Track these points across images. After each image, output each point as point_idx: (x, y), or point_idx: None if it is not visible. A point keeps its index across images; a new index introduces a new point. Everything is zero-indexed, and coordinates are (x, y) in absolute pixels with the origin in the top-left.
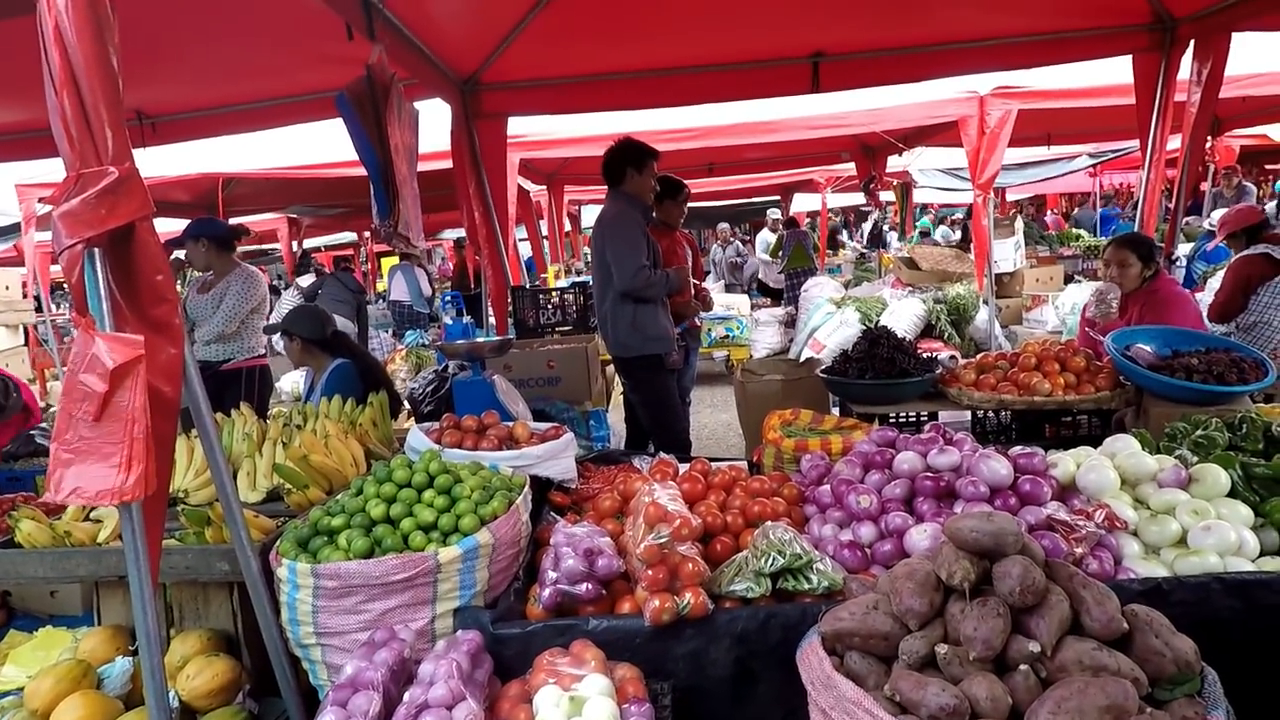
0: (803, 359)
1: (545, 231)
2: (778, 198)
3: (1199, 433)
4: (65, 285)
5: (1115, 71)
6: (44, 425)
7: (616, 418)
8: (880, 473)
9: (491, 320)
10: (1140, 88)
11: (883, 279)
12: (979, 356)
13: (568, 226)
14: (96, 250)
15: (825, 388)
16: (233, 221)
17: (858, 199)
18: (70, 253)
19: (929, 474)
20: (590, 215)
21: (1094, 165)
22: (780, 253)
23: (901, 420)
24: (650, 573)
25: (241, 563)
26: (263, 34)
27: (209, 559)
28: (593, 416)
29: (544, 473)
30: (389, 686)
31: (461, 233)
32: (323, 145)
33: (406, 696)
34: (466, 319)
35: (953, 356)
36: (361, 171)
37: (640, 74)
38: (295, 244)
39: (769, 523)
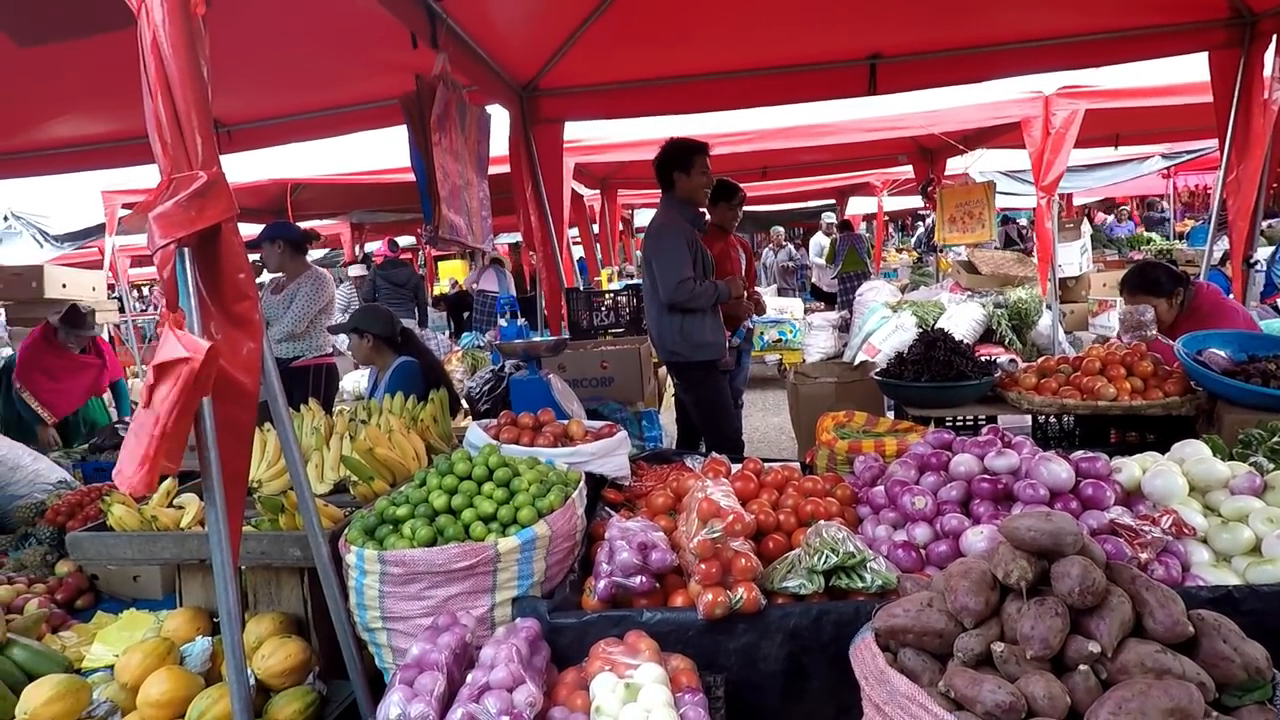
0: (857, 363)
1: (597, 235)
2: (832, 201)
3: (1275, 439)
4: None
5: (1188, 69)
6: (128, 420)
7: (668, 418)
8: (936, 474)
9: (540, 322)
10: (1218, 86)
11: (940, 283)
12: (1040, 360)
13: (621, 228)
14: (186, 250)
15: (880, 390)
16: (301, 225)
17: (915, 202)
18: (163, 252)
19: (986, 476)
20: (644, 219)
21: (1168, 167)
22: (835, 257)
23: (958, 424)
24: (704, 567)
25: (313, 549)
26: (331, 44)
27: (282, 545)
28: (645, 417)
29: (598, 469)
30: (452, 669)
31: (516, 236)
32: (383, 152)
33: (469, 678)
34: (521, 321)
35: (1012, 360)
36: (409, 177)
37: (695, 78)
38: (358, 248)
39: (822, 521)
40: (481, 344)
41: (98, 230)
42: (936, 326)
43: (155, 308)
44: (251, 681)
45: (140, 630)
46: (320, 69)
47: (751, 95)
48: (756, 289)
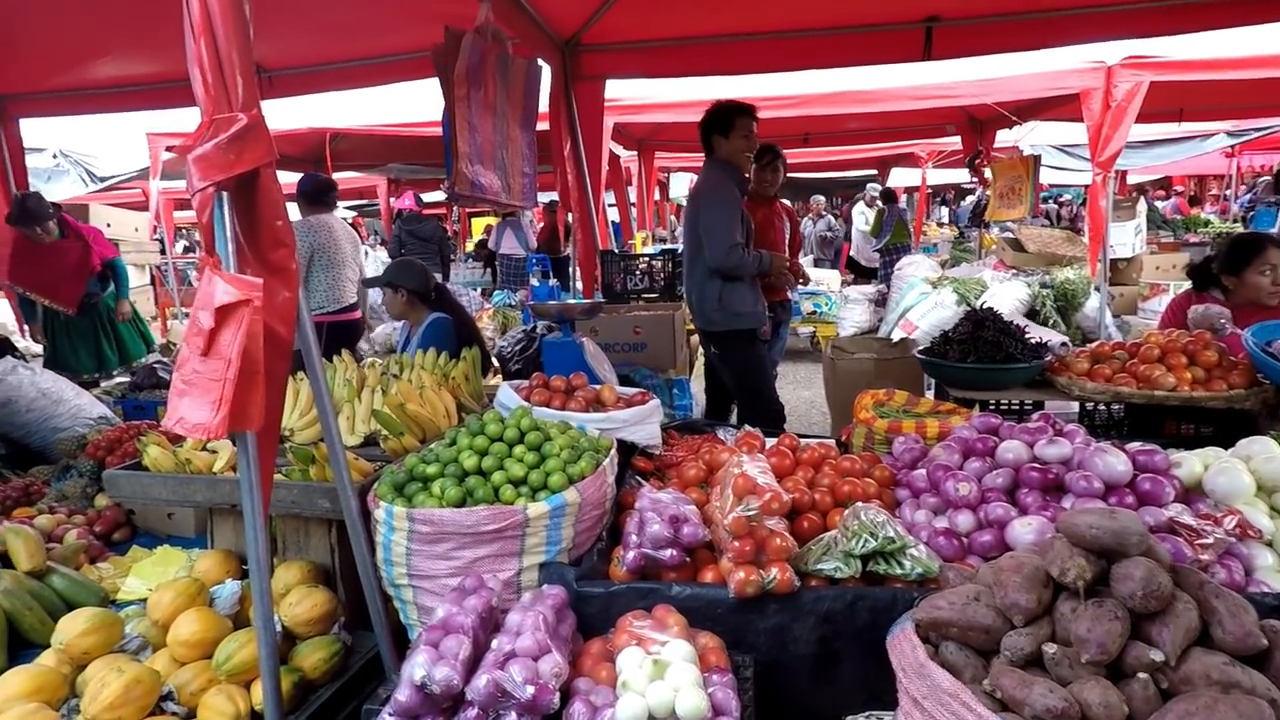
0: (896, 340)
1: (633, 198)
2: (874, 171)
3: None
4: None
5: (1261, 40)
6: (166, 360)
7: (698, 387)
8: (981, 460)
9: (578, 284)
10: None
11: (983, 260)
12: (1094, 345)
13: (656, 195)
14: (225, 194)
15: (920, 369)
16: (336, 176)
17: (959, 175)
18: (202, 195)
19: (1035, 465)
20: (679, 183)
21: (1233, 145)
22: (881, 229)
23: (1003, 407)
24: (737, 544)
25: (342, 502)
26: None
27: (312, 495)
28: (676, 385)
29: (629, 437)
30: (478, 632)
31: (552, 195)
32: (421, 105)
33: (494, 644)
34: (553, 281)
35: (1064, 344)
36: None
37: (742, 37)
38: (393, 199)
39: (860, 504)
40: (513, 303)
41: (143, 173)
42: (983, 305)
43: (191, 250)
44: (278, 628)
45: (173, 566)
46: (366, 16)
47: (800, 57)
48: (798, 260)
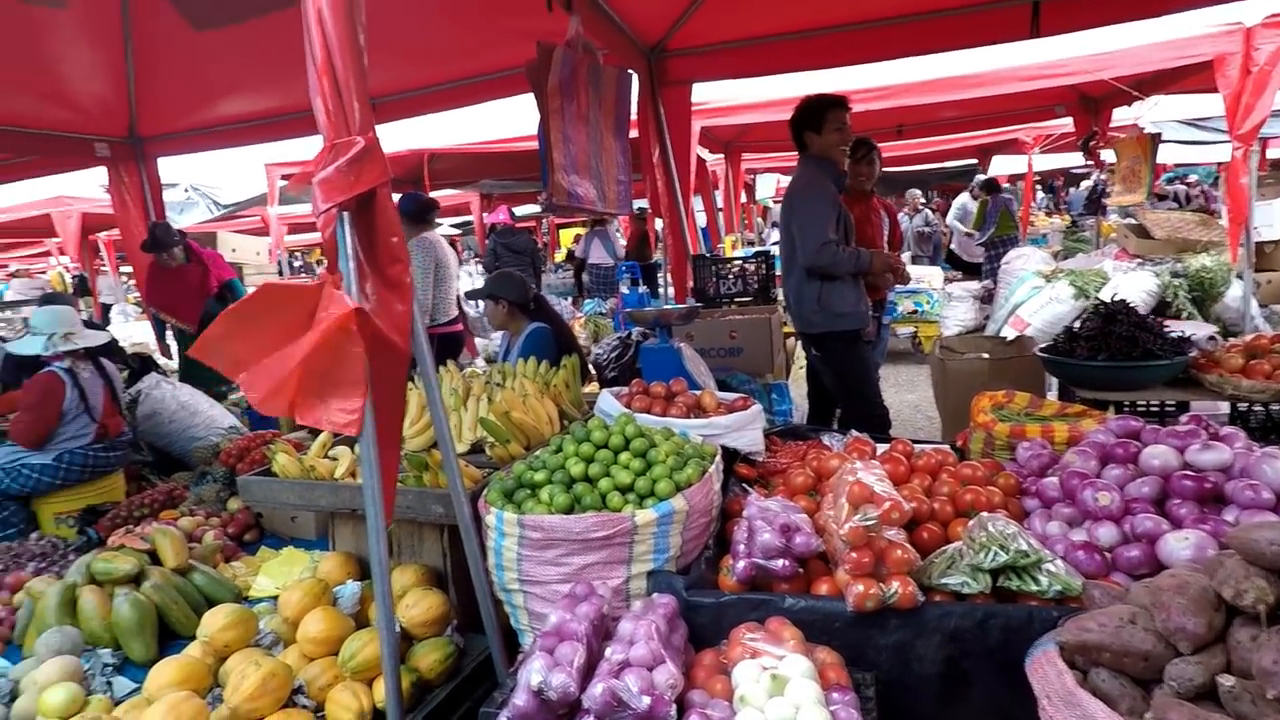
0: (1011, 338)
1: (720, 202)
2: (973, 161)
3: None
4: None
5: None
6: None
7: (797, 392)
8: (1122, 468)
9: (668, 289)
10: None
11: (1101, 249)
12: (1249, 338)
13: (743, 198)
14: (346, 214)
15: (1041, 369)
16: (433, 195)
17: (1069, 159)
18: (325, 216)
19: (1189, 473)
20: (764, 184)
21: None
22: (984, 221)
23: (1141, 409)
24: (855, 556)
25: (456, 507)
26: (468, 14)
27: (425, 501)
28: (775, 389)
29: (732, 443)
30: (591, 640)
31: (640, 203)
32: (513, 121)
33: (607, 652)
34: (642, 288)
35: (1212, 337)
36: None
37: (832, 30)
38: (485, 214)
39: (986, 514)
40: (603, 311)
41: (260, 200)
42: (1114, 298)
43: (305, 271)
44: (397, 629)
45: (297, 567)
46: (457, 39)
47: (895, 46)
48: (901, 257)
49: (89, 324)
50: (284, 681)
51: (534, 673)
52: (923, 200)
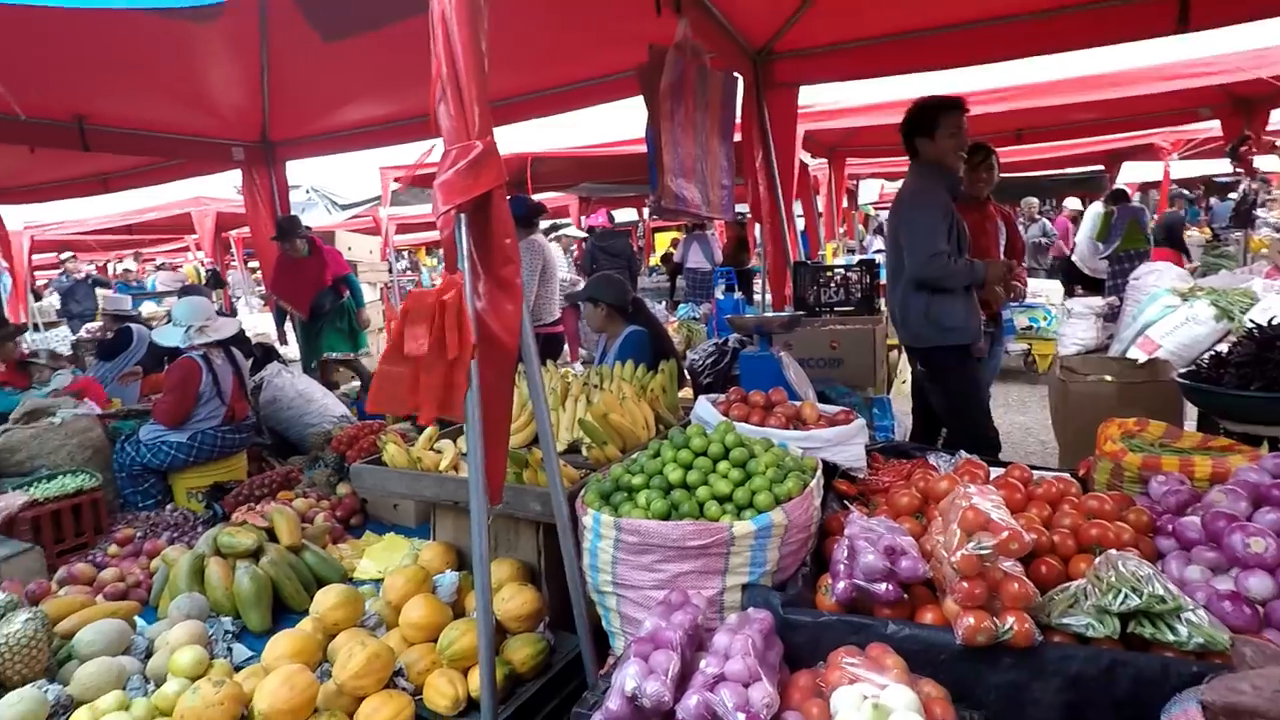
0: (1142, 360)
1: (820, 207)
2: (1099, 168)
3: None
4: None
5: None
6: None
7: (899, 408)
8: (1278, 511)
9: (762, 295)
10: None
11: (1249, 267)
12: None
13: (845, 203)
14: (463, 215)
15: (1178, 396)
16: (536, 198)
17: (1214, 167)
18: (444, 217)
19: None
20: (867, 190)
21: None
22: (1109, 232)
23: None
24: (966, 585)
25: (554, 506)
26: (575, 19)
27: (524, 498)
28: (876, 404)
29: (832, 458)
30: (685, 649)
31: (740, 207)
32: (613, 125)
33: (701, 664)
34: (737, 294)
35: None
36: (641, 149)
37: (952, 28)
38: (584, 218)
39: (1114, 552)
40: (696, 316)
41: (374, 201)
42: (1272, 320)
43: (411, 269)
44: (493, 621)
45: (398, 553)
46: (563, 44)
47: (1019, 44)
48: (1022, 267)
49: (221, 313)
50: (387, 663)
51: (628, 678)
52: (1040, 209)
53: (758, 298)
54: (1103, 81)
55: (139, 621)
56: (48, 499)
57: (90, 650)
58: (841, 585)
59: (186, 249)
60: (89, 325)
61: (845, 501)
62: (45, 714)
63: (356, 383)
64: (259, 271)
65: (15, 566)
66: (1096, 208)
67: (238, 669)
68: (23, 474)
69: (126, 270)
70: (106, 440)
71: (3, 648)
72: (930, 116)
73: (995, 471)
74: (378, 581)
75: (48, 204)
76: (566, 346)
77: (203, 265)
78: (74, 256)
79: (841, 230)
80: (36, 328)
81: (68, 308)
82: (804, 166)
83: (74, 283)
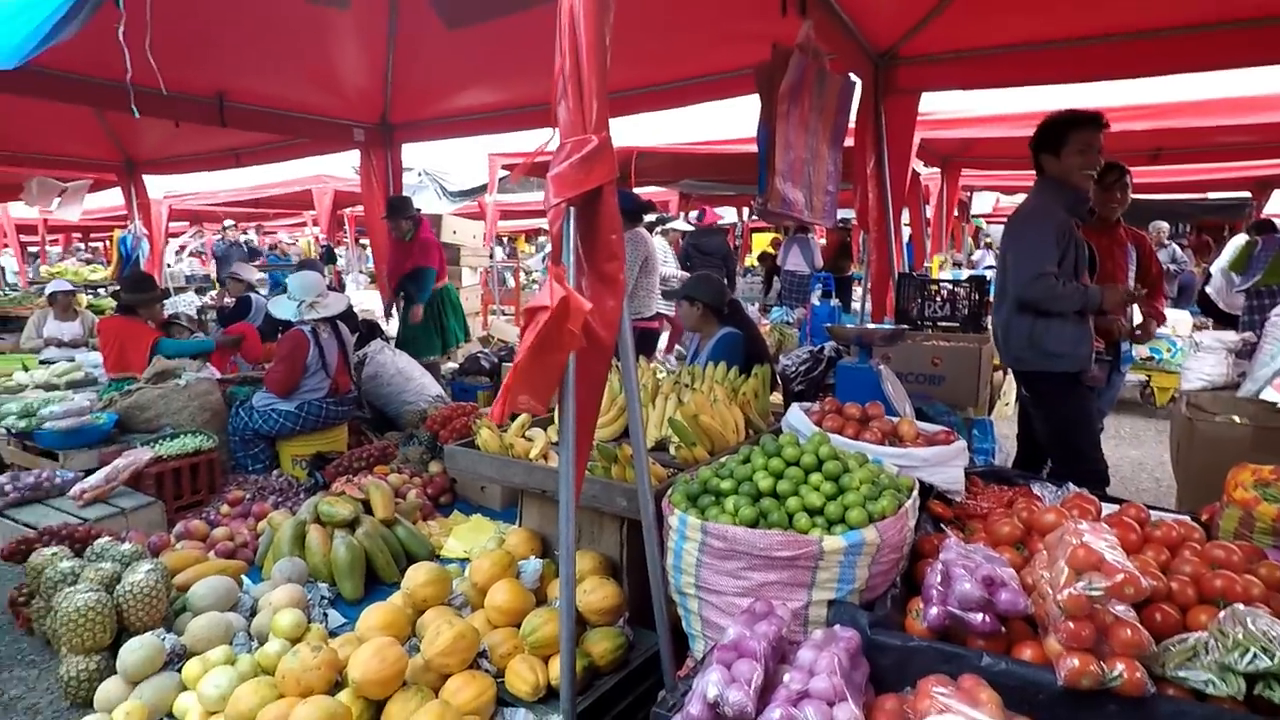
0: (1277, 404)
1: (929, 217)
2: (1246, 194)
3: None
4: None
5: None
6: (486, 350)
7: (1001, 431)
8: None
9: (860, 304)
10: None
11: None
12: None
13: (955, 213)
14: (572, 209)
15: None
16: (637, 191)
17: None
18: (555, 210)
19: None
20: (981, 202)
21: None
22: (1249, 264)
23: None
24: (1071, 626)
25: (641, 504)
26: (697, 17)
27: (611, 493)
28: (977, 425)
29: (929, 478)
30: (768, 660)
31: (845, 213)
32: (713, 123)
33: (785, 678)
34: (834, 301)
35: None
36: (749, 149)
37: (1095, 40)
38: (683, 215)
39: (1242, 607)
40: (790, 320)
41: (481, 188)
42: None
43: (511, 256)
44: (574, 614)
45: (483, 535)
46: (681, 41)
47: (1168, 60)
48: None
49: (331, 288)
50: (472, 644)
51: (710, 685)
52: (1169, 235)
53: (855, 305)
54: (1260, 104)
55: (245, 580)
56: (170, 456)
57: (203, 604)
58: (934, 611)
59: (304, 224)
60: (211, 294)
61: (940, 525)
62: (162, 661)
63: (453, 365)
64: (368, 248)
65: (139, 518)
66: (1239, 239)
67: (333, 634)
68: (149, 431)
69: (280, 240)
70: (224, 404)
71: (129, 595)
72: (1059, 132)
73: (1107, 508)
74: (463, 561)
75: (186, 175)
76: (663, 340)
77: (317, 241)
78: (235, 224)
79: (950, 244)
80: (168, 294)
81: (222, 272)
82: (914, 174)
83: (230, 245)
